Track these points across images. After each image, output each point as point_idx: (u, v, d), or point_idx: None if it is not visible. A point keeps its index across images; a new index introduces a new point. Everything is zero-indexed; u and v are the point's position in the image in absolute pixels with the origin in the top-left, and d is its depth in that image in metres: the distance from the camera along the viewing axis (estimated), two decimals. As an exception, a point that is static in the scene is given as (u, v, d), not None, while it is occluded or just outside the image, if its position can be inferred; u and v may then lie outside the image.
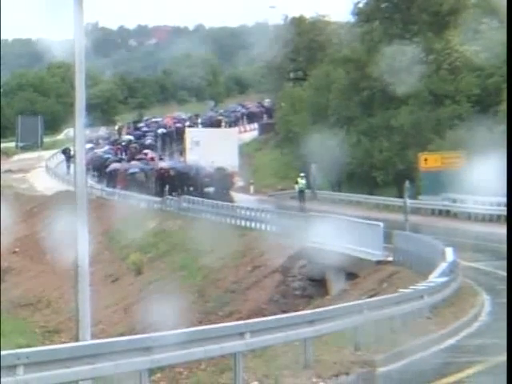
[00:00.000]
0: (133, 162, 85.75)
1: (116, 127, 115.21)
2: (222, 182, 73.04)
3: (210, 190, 72.09)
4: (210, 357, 18.10)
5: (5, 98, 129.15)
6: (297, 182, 71.49)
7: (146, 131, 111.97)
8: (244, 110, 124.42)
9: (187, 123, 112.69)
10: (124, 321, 45.85)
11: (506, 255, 44.48)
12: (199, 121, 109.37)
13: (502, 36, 63.09)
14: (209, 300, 43.67)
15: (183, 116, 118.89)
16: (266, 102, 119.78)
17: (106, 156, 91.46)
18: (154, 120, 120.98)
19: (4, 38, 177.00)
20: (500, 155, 58.15)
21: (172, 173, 74.99)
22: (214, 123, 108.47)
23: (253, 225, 58.32)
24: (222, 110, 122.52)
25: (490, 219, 59.84)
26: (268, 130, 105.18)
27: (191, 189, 71.51)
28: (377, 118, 63.54)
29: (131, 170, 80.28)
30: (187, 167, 75.79)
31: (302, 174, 70.46)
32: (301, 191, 70.01)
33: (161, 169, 77.38)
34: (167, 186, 71.61)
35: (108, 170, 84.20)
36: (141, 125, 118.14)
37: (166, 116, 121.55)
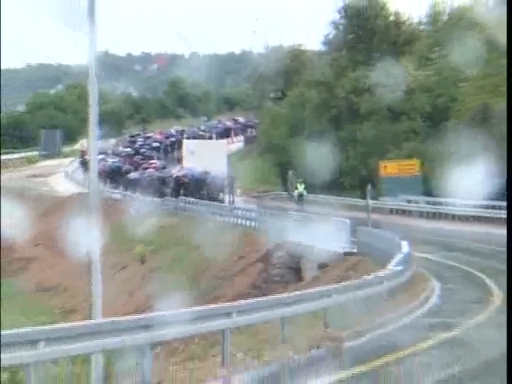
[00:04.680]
0: (148, 171, 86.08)
1: (112, 142, 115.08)
2: (230, 188, 73.58)
3: (222, 194, 72.67)
4: (202, 333, 18.08)
5: (30, 115, 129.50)
6: (296, 188, 71.24)
7: (141, 145, 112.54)
8: (222, 126, 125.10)
9: (173, 138, 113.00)
10: (130, 302, 45.80)
11: (453, 248, 44.72)
12: (185, 136, 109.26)
13: (450, 63, 63.34)
14: (201, 285, 43.64)
15: (172, 131, 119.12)
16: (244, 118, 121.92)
17: (116, 165, 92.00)
18: (147, 135, 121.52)
19: (29, 63, 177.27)
20: (447, 162, 58.50)
21: (186, 180, 75.41)
22: (197, 137, 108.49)
23: (239, 221, 58.39)
24: (203, 127, 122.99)
25: (439, 217, 60.17)
26: (252, 141, 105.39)
27: (203, 193, 71.65)
28: (344, 131, 63.72)
29: (148, 178, 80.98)
30: (201, 175, 75.92)
31: (300, 180, 70.23)
32: (300, 195, 69.70)
33: (177, 176, 77.85)
34: (182, 191, 71.68)
35: (129, 177, 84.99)
36: (140, 139, 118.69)
37: (156, 131, 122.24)
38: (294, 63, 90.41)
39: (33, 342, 13.40)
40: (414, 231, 46.36)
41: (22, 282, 58.25)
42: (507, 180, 12.62)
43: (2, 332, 14.15)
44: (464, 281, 33.88)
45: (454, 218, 59.22)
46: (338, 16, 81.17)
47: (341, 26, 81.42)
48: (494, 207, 55.66)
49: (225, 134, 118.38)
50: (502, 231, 51.07)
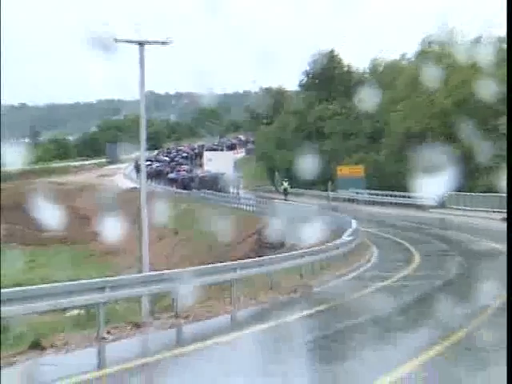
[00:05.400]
0: (181, 172, 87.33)
1: (155, 153, 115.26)
2: (236, 184, 73.72)
3: (230, 188, 72.68)
4: (217, 283, 18.06)
5: (100, 134, 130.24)
6: (282, 184, 71.16)
7: (175, 155, 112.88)
8: (229, 142, 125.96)
9: (197, 150, 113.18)
10: (167, 261, 45.69)
11: (385, 225, 44.72)
12: (204, 148, 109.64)
13: (384, 99, 63.30)
14: (214, 250, 43.57)
15: (196, 145, 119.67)
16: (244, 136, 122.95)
17: (159, 168, 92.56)
18: (179, 148, 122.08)
19: (98, 98, 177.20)
20: (381, 167, 58.37)
21: (206, 178, 75.73)
22: (213, 149, 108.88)
23: (242, 207, 58.52)
24: (216, 142, 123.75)
25: (376, 204, 60.38)
26: (250, 152, 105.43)
27: (218, 187, 71.59)
28: (314, 145, 63.66)
29: (181, 177, 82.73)
30: (216, 175, 76.19)
31: (285, 179, 70.20)
32: (285, 189, 69.41)
33: (200, 176, 78.52)
34: (203, 186, 71.75)
35: (168, 177, 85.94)
36: (174, 151, 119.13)
37: (185, 145, 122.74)
38: (279, 98, 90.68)
39: (101, 289, 13.39)
40: (359, 213, 46.35)
41: (95, 247, 58.20)
42: (507, 181, 11.76)
43: (83, 280, 14.14)
44: (393, 246, 33.95)
45: (384, 204, 59.42)
46: (308, 67, 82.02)
47: (310, 75, 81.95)
48: (409, 197, 56.24)
49: (232, 147, 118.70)
50: (415, 213, 51.69)
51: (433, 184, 50.90)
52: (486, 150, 45.86)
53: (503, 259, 27.98)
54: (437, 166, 45.87)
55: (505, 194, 48.94)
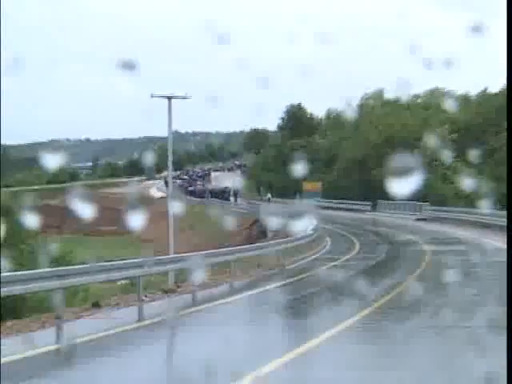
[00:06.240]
0: (197, 186, 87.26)
1: (178, 173, 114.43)
2: (235, 194, 72.98)
3: (232, 197, 72.27)
4: (220, 262, 17.93)
5: (142, 159, 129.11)
6: (266, 195, 70.57)
7: (192, 174, 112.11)
8: (229, 165, 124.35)
9: (207, 171, 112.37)
10: (186, 246, 45.40)
11: (335, 223, 44.42)
12: (212, 170, 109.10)
13: (337, 136, 63.50)
14: (217, 239, 43.37)
15: (206, 168, 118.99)
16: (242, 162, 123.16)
17: (181, 184, 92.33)
18: (194, 169, 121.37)
19: (139, 135, 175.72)
20: (334, 183, 58.15)
21: (215, 190, 75.92)
22: (218, 171, 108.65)
23: (239, 210, 58.03)
24: (220, 165, 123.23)
25: (330, 208, 59.99)
26: (244, 173, 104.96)
27: (223, 197, 71.38)
28: (287, 168, 63.55)
29: (197, 189, 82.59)
30: (221, 188, 76.73)
31: (269, 192, 69.51)
32: (269, 199, 68.55)
33: (211, 189, 78.68)
34: (213, 196, 71.87)
35: (188, 189, 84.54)
36: (191, 171, 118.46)
37: (199, 168, 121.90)
38: (262, 137, 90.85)
39: (140, 266, 13.27)
40: (320, 215, 46.22)
41: (127, 239, 57.24)
42: (507, 182, 9.35)
43: (128, 260, 14.03)
44: (341, 238, 33.88)
45: (335, 209, 59.18)
46: (283, 115, 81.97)
47: (285, 119, 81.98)
48: (353, 204, 56.29)
49: (230, 169, 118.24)
50: (356, 215, 51.66)
51: (369, 194, 51.09)
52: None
53: (416, 245, 28.13)
54: (374, 182, 45.98)
55: (419, 202, 48.79)
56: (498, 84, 53.39)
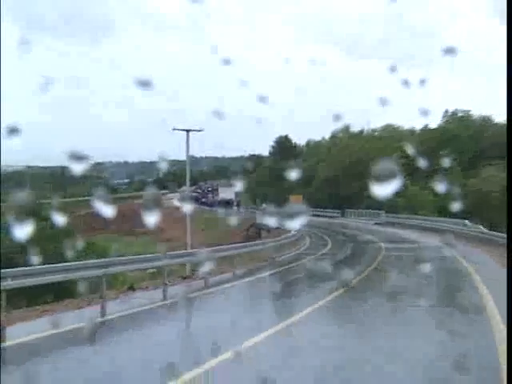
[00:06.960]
0: (208, 198, 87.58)
1: (193, 187, 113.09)
2: (238, 204, 73.41)
3: (235, 206, 72.27)
4: (226, 256, 17.82)
5: (166, 177, 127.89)
6: (261, 205, 70.06)
7: (203, 188, 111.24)
8: (231, 182, 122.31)
9: (215, 186, 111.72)
10: (200, 244, 45.13)
11: (314, 227, 44.03)
12: (218, 185, 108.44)
13: (314, 160, 63.42)
14: (223, 238, 43.05)
15: (215, 183, 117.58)
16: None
17: (196, 195, 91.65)
18: (205, 185, 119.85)
19: (162, 156, 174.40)
20: (313, 196, 58.20)
21: (222, 201, 76.33)
22: (223, 186, 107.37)
23: (240, 215, 57.64)
24: (224, 182, 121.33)
25: (311, 215, 59.63)
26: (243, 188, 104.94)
27: (228, 206, 71.60)
28: (277, 184, 63.35)
29: (209, 200, 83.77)
30: (226, 199, 76.72)
31: (264, 202, 69.20)
32: (263, 208, 68.36)
33: (219, 200, 78.58)
34: (220, 205, 71.99)
35: (201, 200, 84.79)
36: (203, 187, 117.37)
37: (208, 184, 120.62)
38: (258, 160, 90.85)
39: (159, 259, 13.17)
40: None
41: (155, 238, 56.74)
42: (507, 184, 7.72)
43: (153, 255, 13.96)
44: (318, 238, 33.79)
45: (314, 215, 58.62)
46: (274, 143, 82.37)
47: (275, 147, 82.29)
48: (326, 211, 56.06)
49: (232, 185, 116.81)
50: (328, 220, 51.41)
51: (338, 204, 50.87)
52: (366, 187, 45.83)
53: (374, 244, 28.06)
54: (342, 195, 45.99)
55: (377, 210, 48.49)
56: (436, 120, 53.57)
